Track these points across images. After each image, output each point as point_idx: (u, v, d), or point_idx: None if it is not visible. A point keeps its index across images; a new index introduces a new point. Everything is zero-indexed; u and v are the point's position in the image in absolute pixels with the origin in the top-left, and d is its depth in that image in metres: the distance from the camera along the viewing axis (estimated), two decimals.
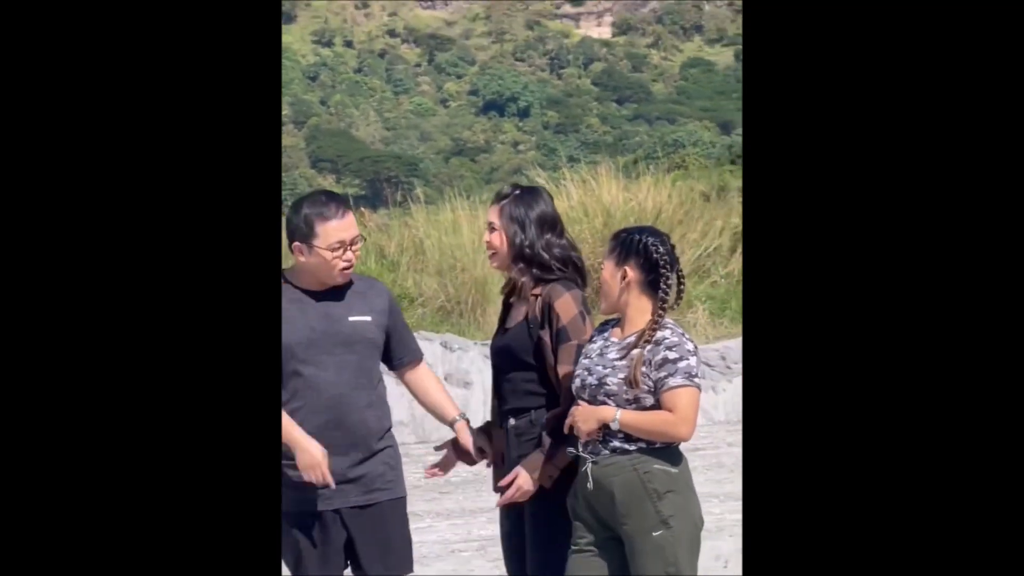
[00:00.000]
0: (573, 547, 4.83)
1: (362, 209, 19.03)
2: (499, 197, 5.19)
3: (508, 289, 5.17)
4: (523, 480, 4.88)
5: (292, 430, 5.04)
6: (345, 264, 5.18)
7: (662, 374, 4.68)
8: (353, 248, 5.21)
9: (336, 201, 5.34)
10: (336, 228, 5.18)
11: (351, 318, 5.20)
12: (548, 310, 4.98)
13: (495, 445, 5.14)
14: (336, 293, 5.25)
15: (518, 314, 5.09)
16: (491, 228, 5.12)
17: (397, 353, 5.33)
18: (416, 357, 5.38)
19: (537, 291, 5.03)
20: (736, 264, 18.58)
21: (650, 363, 4.70)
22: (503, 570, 7.25)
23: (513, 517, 5.09)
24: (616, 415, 4.65)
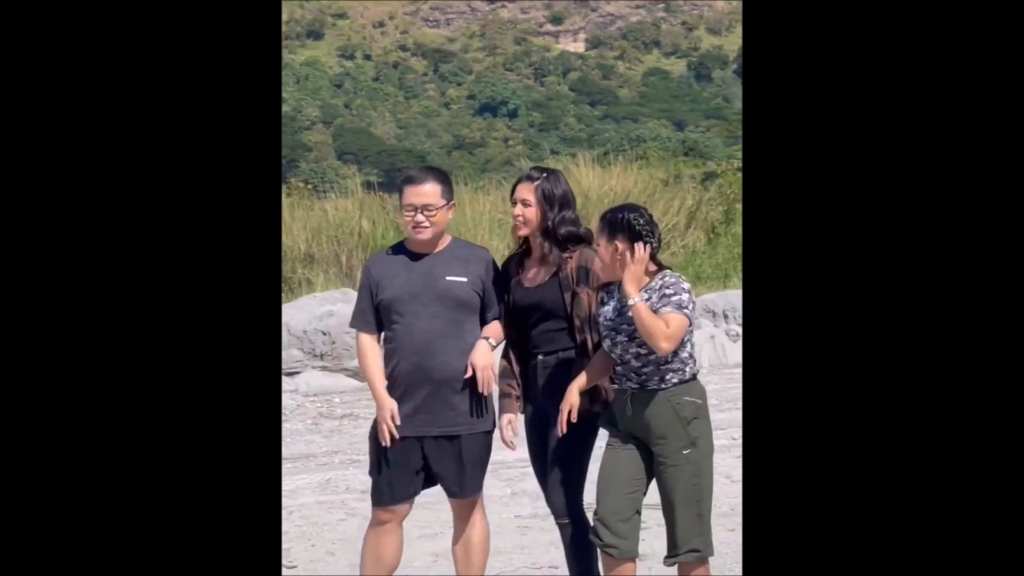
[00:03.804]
0: (608, 446, 4.85)
1: (381, 193, 18.94)
2: (530, 178, 5.10)
3: (523, 251, 5.15)
4: (569, 401, 4.84)
5: (376, 385, 5.09)
6: (414, 225, 5.09)
7: (660, 304, 4.67)
8: (427, 212, 5.08)
9: (423, 171, 5.27)
10: (408, 193, 5.13)
11: (448, 277, 5.09)
12: (585, 272, 4.98)
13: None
14: (439, 256, 5.15)
15: (538, 275, 5.08)
16: (525, 204, 5.02)
17: (486, 311, 5.16)
18: (494, 318, 5.17)
19: (569, 256, 5.02)
20: (691, 237, 18.67)
21: (650, 290, 4.72)
22: (514, 488, 7.28)
23: (539, 440, 5.10)
24: (635, 299, 4.62)
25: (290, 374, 12.35)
